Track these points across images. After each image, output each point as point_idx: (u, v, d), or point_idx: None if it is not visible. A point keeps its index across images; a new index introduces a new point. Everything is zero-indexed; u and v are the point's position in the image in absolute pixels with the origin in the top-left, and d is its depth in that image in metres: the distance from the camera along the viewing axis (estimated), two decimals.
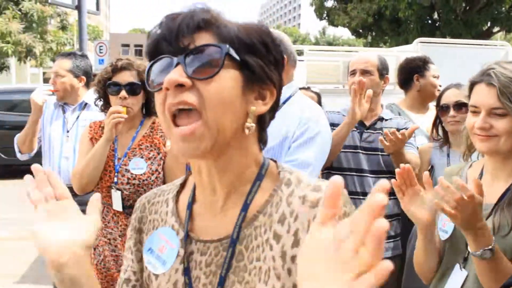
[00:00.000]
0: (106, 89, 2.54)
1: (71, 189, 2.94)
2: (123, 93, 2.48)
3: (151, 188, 2.46)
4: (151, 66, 0.91)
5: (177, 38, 0.86)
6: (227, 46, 0.86)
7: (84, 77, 3.41)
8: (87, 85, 3.46)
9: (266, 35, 0.91)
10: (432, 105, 3.46)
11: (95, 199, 0.99)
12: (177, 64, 0.86)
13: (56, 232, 0.87)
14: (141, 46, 58.78)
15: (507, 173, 1.61)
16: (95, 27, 33.33)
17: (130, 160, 2.51)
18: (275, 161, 1.01)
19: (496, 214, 1.54)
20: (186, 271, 0.95)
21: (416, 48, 5.16)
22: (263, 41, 0.90)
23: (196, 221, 0.99)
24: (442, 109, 2.70)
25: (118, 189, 2.50)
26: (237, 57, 0.87)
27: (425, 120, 3.30)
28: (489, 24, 17.71)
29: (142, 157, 2.51)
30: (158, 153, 2.53)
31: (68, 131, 3.36)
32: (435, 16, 18.01)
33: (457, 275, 1.61)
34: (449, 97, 2.66)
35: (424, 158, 2.80)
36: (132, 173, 2.48)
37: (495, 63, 1.57)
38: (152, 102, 2.61)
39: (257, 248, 0.90)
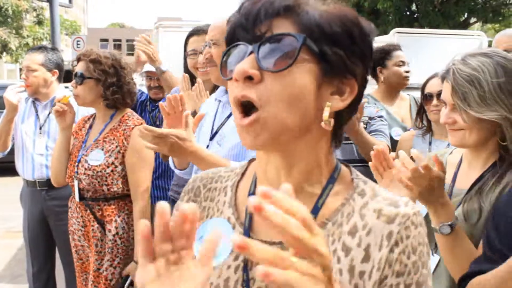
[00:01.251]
0: None
1: (48, 181, 2.99)
2: (73, 82, 2.56)
3: (106, 181, 2.48)
4: (226, 53, 0.85)
5: (254, 25, 0.80)
6: (304, 36, 0.78)
7: (56, 71, 3.34)
8: (60, 79, 3.40)
9: (352, 23, 0.82)
10: (404, 94, 3.48)
11: (212, 241, 0.69)
12: (250, 53, 0.80)
13: None
14: (119, 40, 58.15)
15: (482, 163, 1.62)
16: (73, 22, 32.82)
17: (91, 151, 2.51)
18: (347, 166, 0.95)
19: (466, 202, 1.56)
20: (245, 269, 0.88)
21: (393, 39, 5.18)
22: (348, 29, 0.81)
23: (255, 217, 0.89)
24: (425, 98, 2.70)
25: (78, 179, 2.52)
26: (315, 48, 0.79)
27: (399, 110, 3.31)
28: (466, 15, 17.90)
29: (102, 149, 2.51)
30: (117, 146, 2.52)
31: (40, 128, 3.30)
32: (413, 7, 18.14)
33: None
34: (433, 86, 2.66)
35: (405, 146, 2.80)
36: (89, 164, 2.50)
37: (461, 58, 1.54)
38: (110, 94, 2.56)
39: None
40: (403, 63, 3.31)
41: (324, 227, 0.86)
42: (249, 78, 0.79)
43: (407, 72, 3.29)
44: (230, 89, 0.84)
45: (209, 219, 0.97)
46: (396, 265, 0.81)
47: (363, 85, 0.87)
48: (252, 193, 0.94)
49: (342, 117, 0.88)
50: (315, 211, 0.87)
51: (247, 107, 0.81)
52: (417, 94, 3.48)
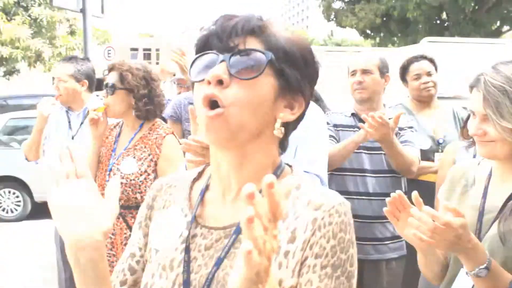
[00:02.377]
0: None
1: None
2: (104, 92, 2.61)
3: (139, 189, 2.50)
4: (196, 58, 0.97)
5: (229, 36, 0.93)
6: (271, 54, 0.92)
7: (86, 81, 3.38)
8: (90, 89, 3.45)
9: (307, 51, 0.99)
10: (443, 103, 3.42)
11: (114, 184, 1.00)
12: (222, 61, 0.92)
13: (78, 216, 0.90)
14: (149, 50, 59.12)
15: None
16: (104, 32, 33.47)
17: (123, 160, 2.54)
18: (290, 166, 1.06)
19: (501, 223, 1.48)
20: (187, 250, 1.00)
21: (424, 48, 5.11)
22: (303, 55, 0.97)
23: (206, 208, 1.05)
24: None
25: None
26: (278, 66, 0.93)
27: (430, 119, 3.25)
28: (498, 24, 17.57)
29: (134, 158, 2.53)
30: (149, 154, 2.54)
31: (73, 138, 3.37)
32: (444, 16, 17.90)
33: (463, 280, 1.55)
34: None
35: (448, 157, 2.73)
36: (122, 172, 2.52)
37: (492, 67, 1.49)
38: (142, 106, 2.59)
39: None
40: (418, 76, 3.25)
41: None
42: (219, 82, 0.91)
43: (426, 83, 3.23)
44: (198, 89, 0.95)
45: (166, 209, 1.10)
46: (316, 248, 0.91)
47: (308, 103, 1.02)
48: (204, 188, 1.07)
49: (289, 128, 1.02)
50: None
51: (213, 105, 0.92)
52: (452, 104, 3.43)
